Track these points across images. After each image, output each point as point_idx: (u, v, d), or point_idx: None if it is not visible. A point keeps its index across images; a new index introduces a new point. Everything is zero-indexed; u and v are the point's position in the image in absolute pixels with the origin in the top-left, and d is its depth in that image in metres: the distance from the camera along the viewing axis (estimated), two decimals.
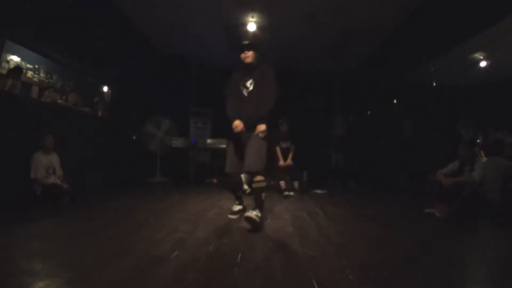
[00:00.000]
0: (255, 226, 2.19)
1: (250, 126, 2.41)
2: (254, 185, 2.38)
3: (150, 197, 3.86)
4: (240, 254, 1.66)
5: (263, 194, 2.36)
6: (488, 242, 2.26)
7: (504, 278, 1.51)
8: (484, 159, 3.26)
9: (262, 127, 2.35)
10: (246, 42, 2.55)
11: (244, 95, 2.48)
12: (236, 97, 2.53)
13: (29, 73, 4.86)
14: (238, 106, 2.49)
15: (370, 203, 4.00)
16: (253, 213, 2.20)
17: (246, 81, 2.51)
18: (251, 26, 5.14)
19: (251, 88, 2.48)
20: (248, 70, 2.53)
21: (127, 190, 4.55)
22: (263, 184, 2.36)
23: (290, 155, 4.70)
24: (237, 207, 2.74)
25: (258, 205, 2.31)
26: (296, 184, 4.57)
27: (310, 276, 1.37)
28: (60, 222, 2.45)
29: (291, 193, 4.29)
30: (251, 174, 2.41)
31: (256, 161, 2.30)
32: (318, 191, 4.75)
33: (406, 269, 1.53)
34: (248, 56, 2.51)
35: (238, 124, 2.42)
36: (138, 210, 2.93)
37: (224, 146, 5.95)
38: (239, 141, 2.48)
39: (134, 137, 5.90)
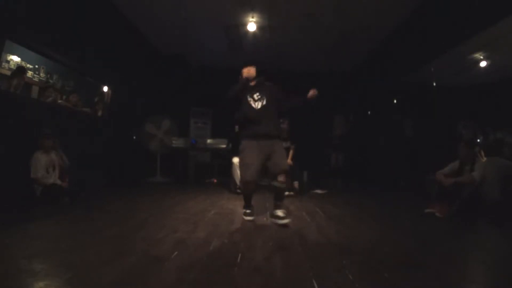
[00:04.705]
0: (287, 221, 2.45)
1: (270, 136, 2.58)
2: (278, 185, 2.58)
3: (150, 197, 3.86)
4: (240, 254, 1.66)
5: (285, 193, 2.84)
6: (488, 242, 2.26)
7: (504, 278, 1.51)
8: (484, 159, 3.26)
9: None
10: (250, 59, 2.76)
11: (254, 108, 2.62)
12: (242, 100, 2.66)
13: (29, 73, 4.86)
14: (247, 117, 2.63)
15: (370, 203, 4.00)
16: (283, 217, 2.44)
17: (253, 93, 2.66)
18: (251, 26, 5.14)
19: (263, 102, 2.63)
20: (253, 85, 2.70)
21: (127, 190, 4.55)
22: (285, 185, 2.66)
23: (290, 155, 4.70)
24: (249, 209, 2.75)
25: (282, 202, 2.62)
26: (296, 184, 4.57)
27: (310, 276, 1.37)
28: (60, 222, 2.45)
29: (291, 193, 4.29)
30: (282, 173, 2.61)
31: (286, 163, 2.67)
32: (318, 191, 4.75)
33: (406, 269, 1.53)
34: (252, 71, 2.69)
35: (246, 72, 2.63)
36: (138, 210, 2.93)
37: (224, 146, 5.96)
38: (256, 150, 2.55)
39: (134, 137, 5.90)
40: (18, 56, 4.73)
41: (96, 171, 4.50)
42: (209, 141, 6.34)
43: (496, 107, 6.02)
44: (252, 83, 2.70)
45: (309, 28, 5.38)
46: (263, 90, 2.68)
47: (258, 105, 2.63)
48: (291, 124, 4.74)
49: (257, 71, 2.72)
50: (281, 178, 2.57)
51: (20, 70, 3.87)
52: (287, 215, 2.50)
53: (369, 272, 1.46)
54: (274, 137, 2.61)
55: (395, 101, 6.65)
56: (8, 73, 4.33)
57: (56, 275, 1.32)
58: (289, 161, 4.66)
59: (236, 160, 4.38)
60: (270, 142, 2.56)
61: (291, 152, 4.72)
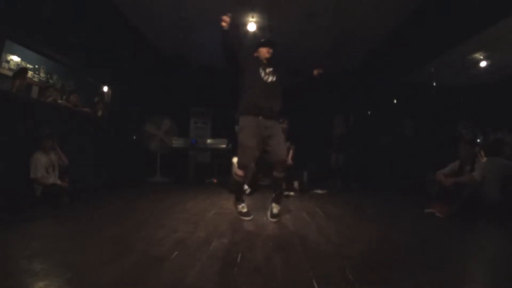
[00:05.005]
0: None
1: (270, 116, 2.55)
2: (275, 174, 2.64)
3: (150, 197, 3.86)
4: (240, 254, 1.66)
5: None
6: (488, 242, 2.26)
7: (504, 277, 1.51)
8: (484, 159, 3.26)
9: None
10: (270, 39, 2.75)
11: (263, 81, 2.58)
12: (251, 70, 2.61)
13: (29, 73, 4.86)
14: (252, 87, 2.55)
15: (370, 203, 4.00)
16: (276, 214, 2.58)
17: (266, 67, 2.63)
18: (251, 26, 5.14)
19: (273, 78, 2.61)
20: (267, 62, 2.69)
21: (127, 190, 4.55)
22: (283, 174, 2.68)
23: (290, 155, 4.69)
24: (245, 208, 2.68)
25: (281, 192, 2.72)
26: (296, 184, 4.57)
27: (310, 276, 1.37)
28: (60, 222, 2.45)
29: (291, 193, 4.29)
30: (281, 164, 2.61)
31: (284, 150, 2.61)
32: (318, 191, 4.75)
33: (406, 269, 1.53)
34: (271, 52, 2.71)
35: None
36: (138, 210, 2.93)
37: (224, 146, 5.96)
38: (255, 130, 2.50)
39: (134, 137, 5.90)
40: (18, 56, 4.74)
41: (96, 171, 4.50)
42: (209, 141, 6.34)
43: (496, 107, 6.02)
44: (265, 60, 2.69)
45: (309, 28, 5.37)
46: (275, 68, 2.67)
47: (268, 78, 2.59)
48: (291, 124, 4.74)
49: (273, 53, 2.72)
50: (279, 168, 2.61)
51: (22, 71, 3.88)
52: (281, 213, 2.64)
53: (369, 272, 1.46)
54: (275, 115, 2.57)
55: (395, 101, 6.65)
56: (8, 73, 4.34)
57: (56, 275, 1.32)
58: (289, 161, 4.66)
59: (236, 160, 4.37)
60: (270, 123, 2.52)
61: (291, 152, 4.71)
